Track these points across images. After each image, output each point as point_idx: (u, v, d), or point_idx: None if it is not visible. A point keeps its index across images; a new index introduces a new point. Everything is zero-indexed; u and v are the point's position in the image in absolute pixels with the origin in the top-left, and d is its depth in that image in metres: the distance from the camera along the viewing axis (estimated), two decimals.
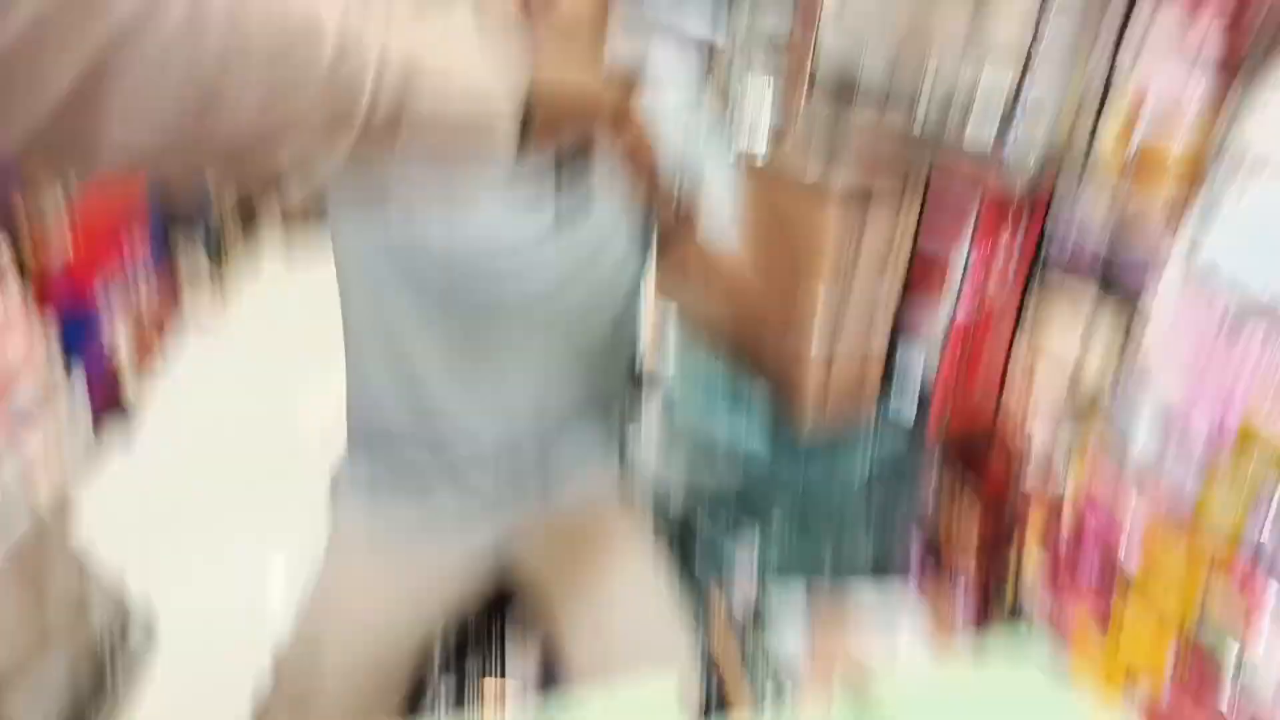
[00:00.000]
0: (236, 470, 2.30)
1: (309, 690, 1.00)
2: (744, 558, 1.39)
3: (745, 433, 1.33)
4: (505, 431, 1.07)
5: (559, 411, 1.09)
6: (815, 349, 1.21)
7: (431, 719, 1.13)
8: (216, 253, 3.29)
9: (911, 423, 1.32)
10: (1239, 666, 0.90)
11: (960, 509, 1.48)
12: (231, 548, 2.04)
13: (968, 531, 1.47)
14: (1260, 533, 0.89)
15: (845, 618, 1.28)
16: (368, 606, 1.07)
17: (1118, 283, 1.14)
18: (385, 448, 1.10)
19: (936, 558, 1.54)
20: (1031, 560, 1.26)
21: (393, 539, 1.11)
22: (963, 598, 1.48)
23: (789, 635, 1.26)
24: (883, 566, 1.44)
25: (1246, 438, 0.90)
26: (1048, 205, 1.18)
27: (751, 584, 1.36)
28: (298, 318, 2.61)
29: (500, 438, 1.07)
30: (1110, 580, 1.09)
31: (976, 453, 1.47)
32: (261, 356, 2.92)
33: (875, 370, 1.28)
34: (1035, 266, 1.23)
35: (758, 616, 1.30)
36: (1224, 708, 0.93)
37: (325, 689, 1.00)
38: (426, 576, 1.10)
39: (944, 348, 1.25)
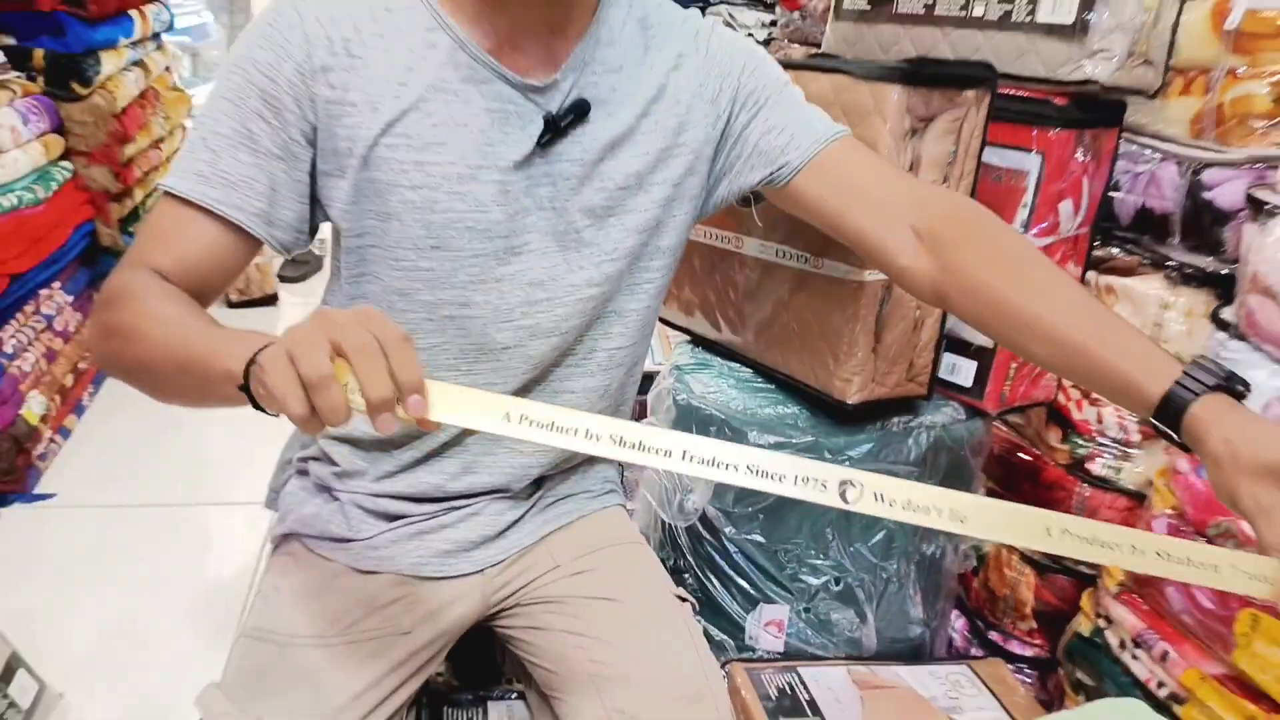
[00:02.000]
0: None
1: None
2: (771, 624, 1.20)
3: (785, 424, 1.16)
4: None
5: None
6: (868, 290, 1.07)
7: None
8: None
9: (968, 389, 1.18)
10: None
11: (1010, 556, 1.31)
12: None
13: (1021, 583, 1.30)
14: None
15: (904, 705, 1.09)
16: (310, 656, 0.87)
17: (1201, 232, 1.03)
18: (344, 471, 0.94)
19: (982, 624, 1.37)
20: (1110, 592, 1.09)
21: (349, 567, 0.93)
22: (1022, 674, 1.31)
23: None
24: (931, 641, 1.26)
25: None
26: (1118, 137, 1.07)
27: (782, 664, 1.17)
28: None
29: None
30: (1230, 594, 0.93)
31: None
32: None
33: (934, 314, 1.13)
34: (1102, 209, 1.10)
35: (795, 699, 1.11)
36: None
37: None
38: (392, 620, 0.91)
39: None
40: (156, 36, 3.11)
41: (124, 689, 1.56)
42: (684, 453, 0.63)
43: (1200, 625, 0.99)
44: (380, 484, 0.94)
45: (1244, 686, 0.95)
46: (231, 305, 3.09)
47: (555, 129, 0.83)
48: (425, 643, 0.92)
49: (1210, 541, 0.98)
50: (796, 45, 2.24)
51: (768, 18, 2.59)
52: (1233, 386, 0.68)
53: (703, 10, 2.74)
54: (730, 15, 2.64)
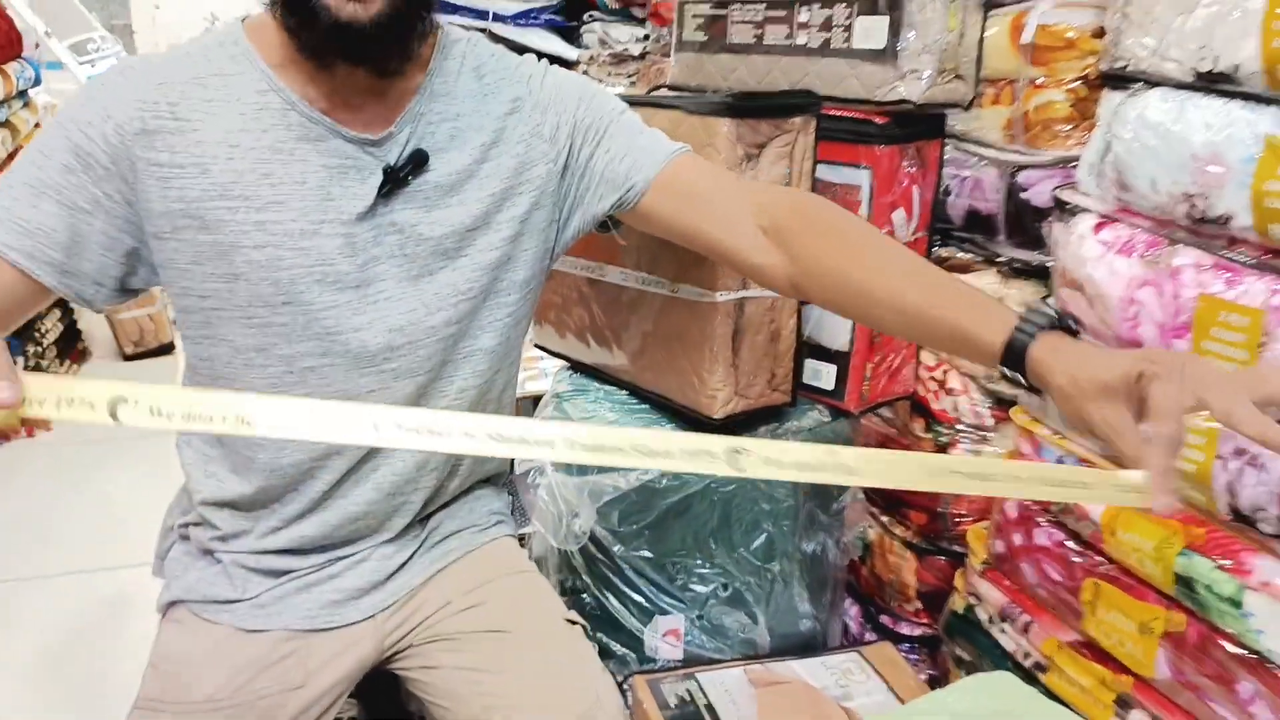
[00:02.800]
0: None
1: None
2: (668, 635, 1.25)
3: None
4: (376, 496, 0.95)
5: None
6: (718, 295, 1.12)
7: None
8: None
9: (830, 391, 1.24)
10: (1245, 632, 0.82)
11: (891, 542, 1.39)
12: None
13: (903, 567, 1.37)
14: (1229, 487, 0.81)
15: (797, 698, 1.15)
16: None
17: (1023, 229, 1.11)
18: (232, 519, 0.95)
19: (874, 609, 1.44)
20: (976, 571, 1.17)
21: (234, 645, 0.93)
22: (913, 653, 1.39)
23: None
24: (824, 632, 1.32)
25: None
26: (942, 146, 1.14)
27: (679, 669, 1.22)
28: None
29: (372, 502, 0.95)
30: (1072, 564, 1.00)
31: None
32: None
33: (790, 325, 1.19)
34: (936, 214, 1.18)
35: (694, 705, 1.16)
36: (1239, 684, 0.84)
37: None
38: (283, 675, 0.92)
39: None
40: (23, 94, 3.02)
41: None
42: (567, 441, 0.63)
43: (1052, 596, 1.07)
44: (263, 540, 0.95)
45: (1095, 651, 1.02)
46: (127, 358, 3.03)
47: (395, 179, 0.86)
48: (320, 694, 0.94)
49: (1057, 519, 1.06)
50: (668, 59, 2.29)
51: (641, 32, 2.64)
52: (1065, 324, 0.72)
53: (573, 32, 2.78)
54: (605, 32, 2.69)
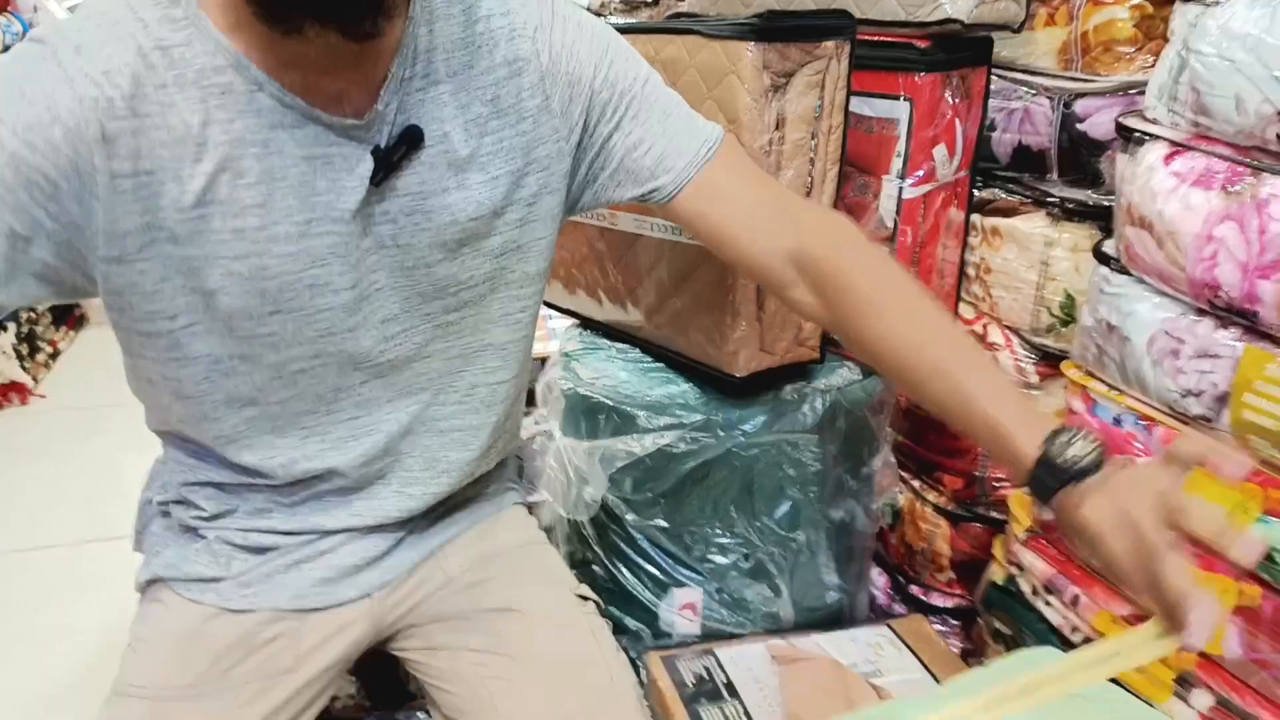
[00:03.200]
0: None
1: None
2: (685, 609, 1.17)
3: (675, 404, 1.11)
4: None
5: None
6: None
7: None
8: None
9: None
10: None
11: (923, 509, 1.30)
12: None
13: (936, 535, 1.29)
14: None
15: (822, 675, 1.07)
16: (185, 707, 0.81)
17: (1078, 165, 1.00)
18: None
19: (903, 580, 1.36)
20: (1018, 539, 1.08)
21: (220, 609, 0.86)
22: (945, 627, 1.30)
23: (757, 704, 1.04)
24: (850, 605, 1.24)
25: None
26: (988, 75, 1.05)
27: (697, 645, 1.14)
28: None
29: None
30: None
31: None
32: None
33: None
34: (980, 151, 1.07)
35: (713, 683, 1.08)
36: None
37: None
38: (272, 658, 0.85)
39: (893, 246, 1.09)
40: (6, 50, 2.93)
41: None
42: None
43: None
44: (252, 519, 0.87)
45: None
46: None
47: (387, 164, 0.73)
48: (312, 678, 0.87)
49: None
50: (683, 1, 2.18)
51: None
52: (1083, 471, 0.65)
53: None
54: None
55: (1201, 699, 0.87)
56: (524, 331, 0.90)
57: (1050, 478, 0.65)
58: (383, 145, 0.73)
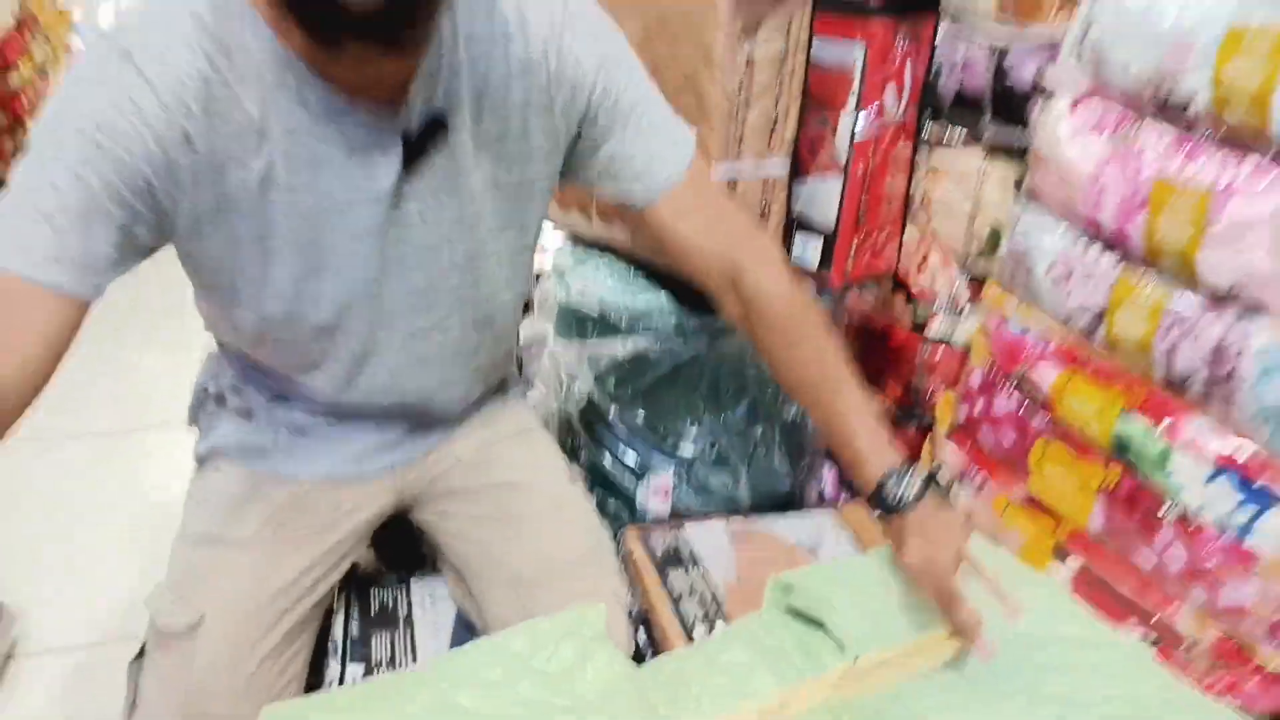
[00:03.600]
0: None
1: (189, 652, 0.91)
2: (658, 492, 1.35)
3: (653, 312, 1.27)
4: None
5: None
6: (715, 170, 1.16)
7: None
8: None
9: (815, 266, 1.30)
10: (1169, 487, 0.91)
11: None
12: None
13: None
14: (1167, 351, 0.89)
15: (771, 549, 1.25)
16: (245, 552, 0.97)
17: (1009, 109, 1.13)
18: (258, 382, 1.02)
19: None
20: (942, 436, 1.25)
21: (271, 474, 1.02)
22: None
23: (715, 571, 1.22)
24: (800, 492, 1.42)
25: (1152, 249, 0.91)
26: (936, 22, 1.19)
27: (667, 523, 1.32)
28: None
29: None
30: (1026, 427, 1.09)
31: (875, 334, 1.45)
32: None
33: (780, 200, 1.23)
34: (927, 93, 1.21)
35: (679, 554, 1.27)
36: (1158, 533, 0.93)
37: (204, 654, 0.91)
38: (314, 517, 1.01)
39: (846, 176, 1.22)
40: None
41: (78, 602, 1.66)
42: None
43: (1006, 457, 1.15)
44: (295, 406, 1.02)
45: (1039, 506, 1.11)
46: None
47: (416, 149, 0.82)
48: (344, 537, 1.04)
49: (1017, 386, 1.13)
50: None
51: None
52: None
53: None
54: None
55: (1073, 562, 1.05)
56: (526, 267, 1.02)
57: (882, 505, 0.89)
58: (412, 132, 0.81)
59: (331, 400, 0.99)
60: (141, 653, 0.99)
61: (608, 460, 1.36)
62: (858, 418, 0.91)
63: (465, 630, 1.09)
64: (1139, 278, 0.93)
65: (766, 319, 0.95)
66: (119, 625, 1.61)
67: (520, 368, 1.25)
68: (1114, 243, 0.96)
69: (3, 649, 1.48)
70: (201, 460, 1.07)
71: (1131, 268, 0.95)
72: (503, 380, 1.18)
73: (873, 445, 0.90)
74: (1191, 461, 0.88)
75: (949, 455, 1.25)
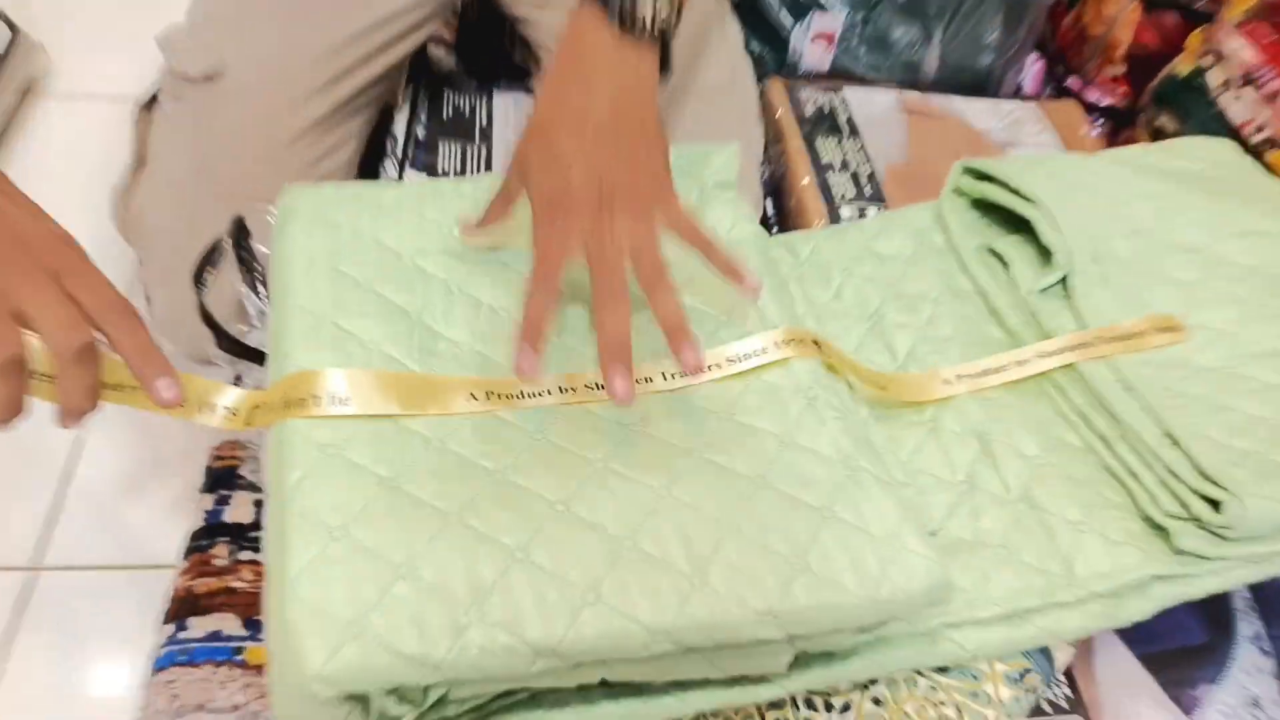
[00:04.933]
0: None
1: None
2: (820, 37, 1.04)
3: None
4: None
5: None
6: None
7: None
8: None
9: None
10: None
11: None
12: None
13: (1121, 19, 1.11)
14: None
15: (955, 134, 0.97)
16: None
17: None
18: None
19: (1063, 69, 1.20)
20: (1234, 18, 0.92)
21: None
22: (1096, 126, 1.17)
23: (878, 146, 0.96)
24: (1000, 77, 1.10)
25: None
26: None
27: (825, 83, 1.03)
28: None
29: None
30: None
31: None
32: None
33: None
34: None
35: (835, 118, 1.00)
36: None
37: (226, 111, 0.73)
38: None
39: None
40: None
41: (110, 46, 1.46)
42: None
43: None
44: None
45: None
46: None
47: None
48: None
49: None
50: None
51: None
52: None
53: None
54: None
55: None
56: None
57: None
58: None
59: None
60: (153, 101, 0.78)
61: None
62: None
63: None
64: None
65: None
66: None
67: None
68: None
69: (22, 79, 1.28)
70: None
71: None
72: None
73: None
74: None
75: (1235, 49, 0.91)
